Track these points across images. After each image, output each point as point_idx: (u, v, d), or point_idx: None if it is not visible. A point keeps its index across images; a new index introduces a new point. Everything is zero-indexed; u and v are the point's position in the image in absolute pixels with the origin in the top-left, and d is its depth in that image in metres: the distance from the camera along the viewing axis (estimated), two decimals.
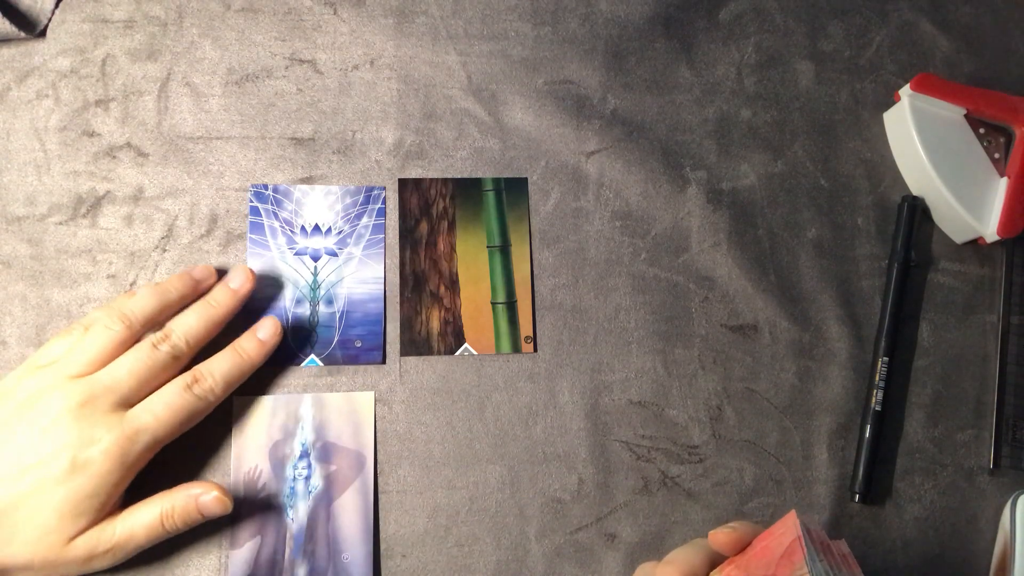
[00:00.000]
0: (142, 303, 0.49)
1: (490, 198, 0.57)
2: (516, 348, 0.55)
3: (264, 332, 0.51)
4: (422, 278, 0.55)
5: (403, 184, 0.56)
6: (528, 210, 0.57)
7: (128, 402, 0.47)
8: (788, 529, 0.38)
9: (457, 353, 0.55)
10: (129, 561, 0.50)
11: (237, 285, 0.52)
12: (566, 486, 0.54)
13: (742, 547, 0.41)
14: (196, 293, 0.51)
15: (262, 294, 0.54)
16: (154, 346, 0.48)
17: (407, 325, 0.55)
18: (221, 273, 0.53)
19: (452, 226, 0.56)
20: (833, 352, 0.57)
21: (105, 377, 0.47)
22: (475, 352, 0.55)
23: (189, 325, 0.49)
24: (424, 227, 0.56)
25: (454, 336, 0.55)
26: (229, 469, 0.52)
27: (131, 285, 0.54)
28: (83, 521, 0.45)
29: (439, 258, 0.56)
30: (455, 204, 0.57)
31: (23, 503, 0.44)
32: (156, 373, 0.48)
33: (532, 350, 0.55)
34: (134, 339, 0.49)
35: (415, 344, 0.54)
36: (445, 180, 0.57)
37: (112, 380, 0.47)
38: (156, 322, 0.50)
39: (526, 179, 0.57)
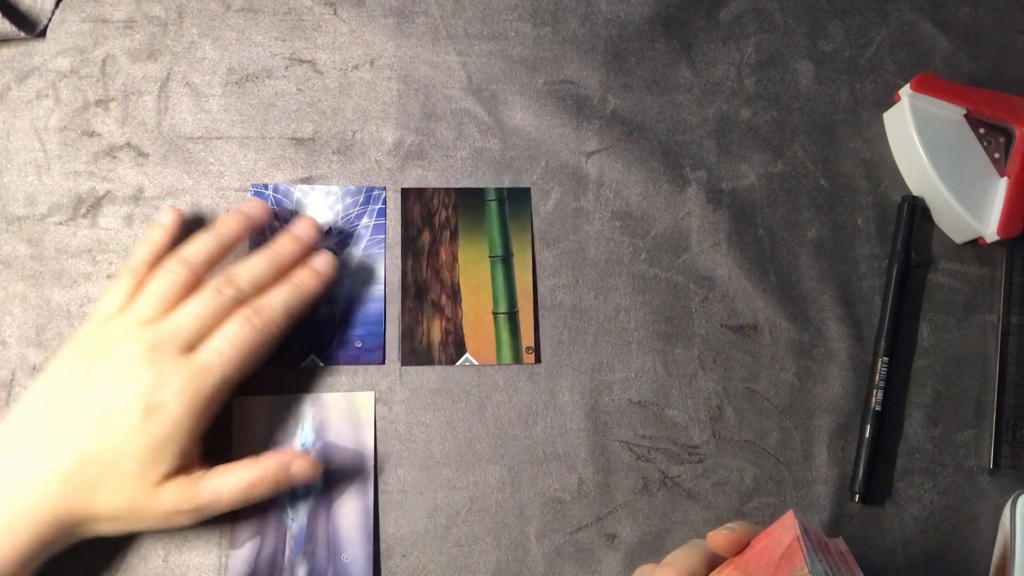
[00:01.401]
0: (200, 246, 0.50)
1: (493, 208, 0.57)
2: (517, 359, 0.55)
3: (322, 265, 0.52)
4: (424, 287, 0.55)
5: (405, 193, 0.56)
6: (531, 220, 0.57)
7: (195, 345, 0.48)
8: (786, 529, 0.38)
9: (458, 363, 0.55)
10: (129, 561, 0.50)
11: (304, 234, 0.52)
12: (566, 486, 0.54)
13: (741, 548, 0.41)
14: (250, 230, 0.52)
15: None
16: (218, 290, 0.49)
17: (408, 335, 0.55)
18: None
19: (454, 236, 0.56)
20: (833, 352, 0.57)
21: (170, 322, 0.48)
22: (476, 362, 0.55)
23: (256, 272, 0.50)
24: (426, 236, 0.56)
25: (455, 346, 0.55)
26: None
27: None
28: (163, 466, 0.46)
29: (441, 268, 0.56)
30: (457, 214, 0.56)
31: (105, 450, 0.45)
32: (220, 316, 0.48)
33: (534, 361, 0.55)
34: (196, 281, 0.49)
35: (416, 354, 0.54)
36: (448, 190, 0.57)
37: (177, 324, 0.47)
38: (215, 263, 0.50)
39: (529, 189, 0.57)
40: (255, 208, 0.52)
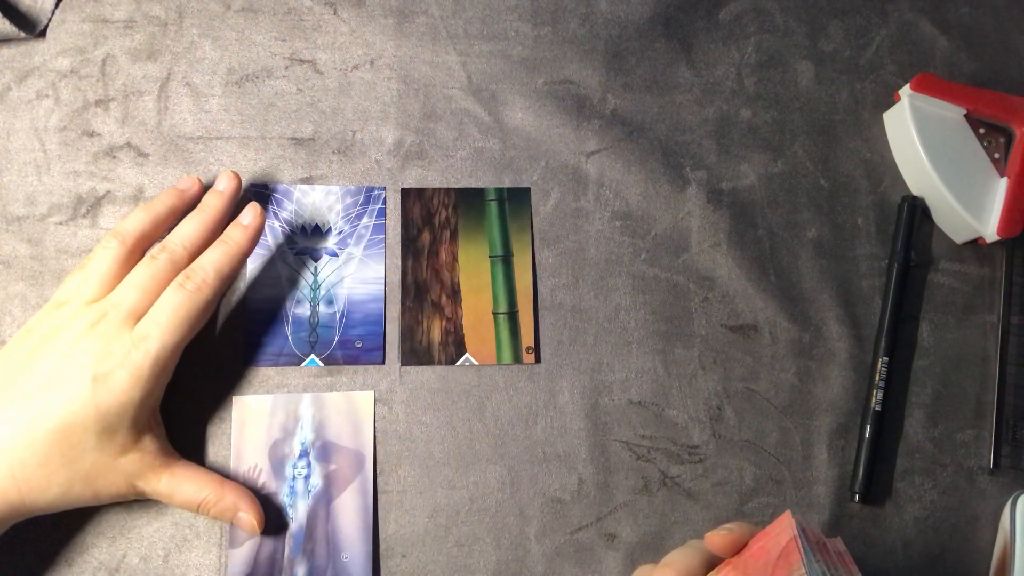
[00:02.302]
0: (132, 219, 0.51)
1: (492, 208, 0.57)
2: (517, 359, 0.55)
3: (247, 218, 0.52)
4: (423, 287, 0.55)
5: (405, 193, 0.56)
6: (531, 220, 0.57)
7: (138, 316, 0.48)
8: (784, 529, 0.38)
9: (458, 363, 0.55)
10: (129, 561, 0.50)
11: (224, 187, 0.53)
12: (566, 486, 0.54)
13: (739, 549, 0.41)
14: (184, 203, 0.53)
15: (263, 294, 0.54)
16: (153, 257, 0.49)
17: (408, 335, 0.55)
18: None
19: (454, 236, 0.56)
20: (833, 352, 0.57)
21: (113, 296, 0.48)
22: (476, 362, 0.55)
23: (184, 232, 0.51)
24: (426, 237, 0.56)
25: (455, 346, 0.55)
26: (229, 468, 0.52)
27: None
28: (120, 438, 0.46)
29: (441, 268, 0.56)
30: (457, 214, 0.56)
31: (55, 425, 0.45)
32: (159, 282, 0.49)
33: (534, 361, 0.55)
34: (132, 255, 0.50)
35: (416, 354, 0.54)
36: (448, 190, 0.57)
37: (119, 296, 0.48)
38: (149, 237, 0.51)
39: (529, 189, 0.57)
40: (185, 181, 0.53)
